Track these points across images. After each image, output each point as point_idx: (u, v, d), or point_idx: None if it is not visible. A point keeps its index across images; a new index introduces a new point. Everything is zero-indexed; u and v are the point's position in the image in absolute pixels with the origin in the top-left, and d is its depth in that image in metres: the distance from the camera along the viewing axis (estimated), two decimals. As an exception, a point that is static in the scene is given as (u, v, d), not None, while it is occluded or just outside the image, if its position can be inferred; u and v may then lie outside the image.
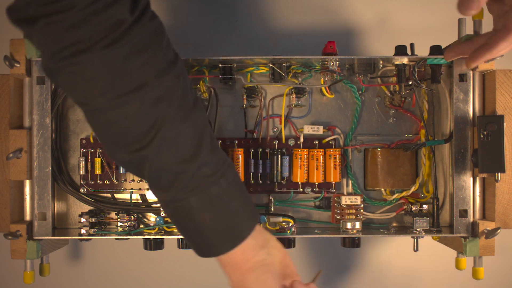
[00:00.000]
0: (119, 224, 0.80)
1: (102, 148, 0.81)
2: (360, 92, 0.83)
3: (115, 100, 0.54)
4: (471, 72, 0.77)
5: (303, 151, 0.80)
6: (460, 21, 0.79)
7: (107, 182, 0.81)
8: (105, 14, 0.52)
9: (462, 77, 0.77)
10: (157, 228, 0.79)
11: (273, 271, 0.62)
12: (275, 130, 0.83)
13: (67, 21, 0.51)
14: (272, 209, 0.82)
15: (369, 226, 0.83)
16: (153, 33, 0.56)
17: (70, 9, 0.50)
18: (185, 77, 0.59)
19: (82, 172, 0.80)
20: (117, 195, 0.83)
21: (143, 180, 0.81)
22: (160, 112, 0.55)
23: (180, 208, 0.58)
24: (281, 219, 0.79)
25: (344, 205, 0.81)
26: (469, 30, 0.77)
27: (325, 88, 0.82)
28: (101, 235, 0.79)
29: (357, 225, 0.78)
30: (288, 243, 0.80)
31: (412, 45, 0.80)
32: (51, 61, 0.53)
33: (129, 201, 0.82)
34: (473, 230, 0.77)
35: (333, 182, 0.81)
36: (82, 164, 0.80)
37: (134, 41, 0.53)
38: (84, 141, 0.81)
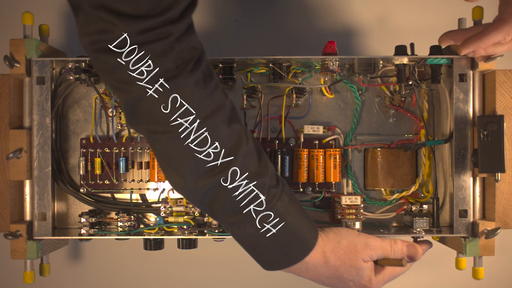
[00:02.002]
0: (119, 224, 0.80)
1: (102, 148, 0.81)
2: (360, 92, 0.83)
3: (203, 123, 0.55)
4: (471, 72, 0.77)
5: (303, 151, 0.80)
6: (460, 21, 0.79)
7: (107, 182, 0.81)
8: (185, 40, 0.54)
9: (462, 77, 0.77)
10: (157, 228, 0.79)
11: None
12: (275, 130, 0.83)
13: (159, 49, 0.52)
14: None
15: (369, 226, 0.83)
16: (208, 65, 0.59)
17: (167, 37, 0.52)
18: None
19: (82, 172, 0.80)
20: (117, 195, 0.83)
21: (143, 180, 0.81)
22: (236, 129, 0.58)
23: (272, 217, 0.60)
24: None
25: (344, 205, 0.81)
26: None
27: (325, 88, 0.82)
28: (101, 235, 0.79)
29: (357, 225, 0.78)
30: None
31: (412, 45, 0.80)
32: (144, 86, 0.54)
33: (129, 201, 0.82)
34: (473, 230, 0.77)
35: (333, 182, 0.81)
36: (82, 164, 0.80)
37: (205, 64, 0.56)
38: (84, 141, 0.81)
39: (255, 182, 0.59)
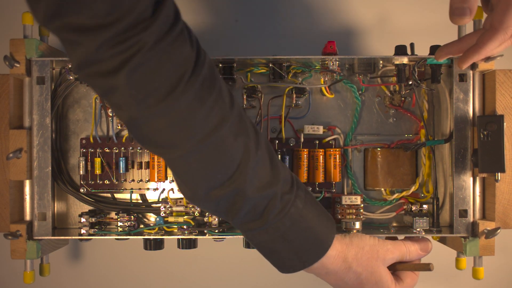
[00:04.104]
0: (119, 224, 0.80)
1: (102, 148, 0.81)
2: (360, 92, 0.83)
3: (205, 140, 0.54)
4: (471, 72, 0.77)
5: (303, 151, 0.80)
6: (460, 21, 0.79)
7: (107, 182, 0.81)
8: (176, 51, 0.51)
9: (462, 77, 0.77)
10: (157, 228, 0.79)
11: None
12: (275, 130, 0.83)
13: (148, 64, 0.49)
14: (272, 209, 0.82)
15: (369, 226, 0.83)
16: (211, 65, 0.56)
17: (141, 48, 0.48)
18: (239, 104, 0.61)
19: (82, 172, 0.80)
20: (117, 195, 0.83)
21: (143, 180, 0.81)
22: (243, 142, 0.56)
23: (272, 232, 0.60)
24: (281, 219, 0.79)
25: (344, 205, 0.81)
26: (469, 30, 0.77)
27: (325, 88, 0.82)
28: (101, 235, 0.79)
29: (357, 225, 0.78)
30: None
31: (412, 45, 0.80)
32: (138, 110, 0.51)
33: (129, 201, 0.82)
34: (473, 230, 0.77)
35: (333, 182, 0.81)
36: (82, 164, 0.80)
37: (205, 75, 0.53)
38: (84, 141, 0.81)
39: (268, 191, 0.58)
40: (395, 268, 0.69)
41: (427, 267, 0.67)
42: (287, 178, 0.61)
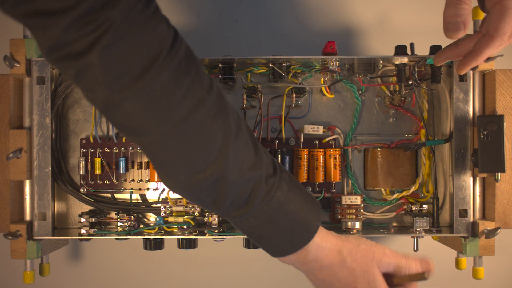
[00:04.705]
0: (119, 224, 0.80)
1: (102, 148, 0.81)
2: (360, 92, 0.83)
3: (182, 124, 0.52)
4: (471, 72, 0.77)
5: (303, 151, 0.80)
6: (460, 21, 0.79)
7: (107, 182, 0.81)
8: (151, 30, 0.50)
9: (462, 77, 0.77)
10: (157, 228, 0.79)
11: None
12: (275, 130, 0.83)
13: (120, 43, 0.48)
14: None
15: (369, 226, 0.83)
16: (188, 47, 0.54)
17: (110, 26, 0.47)
18: (219, 87, 0.58)
19: (82, 172, 0.80)
20: (117, 195, 0.83)
21: (143, 180, 0.81)
22: (222, 124, 0.55)
23: (260, 216, 0.59)
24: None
25: (344, 205, 0.81)
26: (469, 30, 0.77)
27: (325, 88, 0.82)
28: (101, 235, 0.79)
29: (357, 225, 0.78)
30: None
31: (412, 45, 0.80)
32: (110, 93, 0.50)
33: (129, 201, 0.82)
34: (473, 230, 0.77)
35: (333, 182, 0.81)
36: (82, 164, 0.80)
37: (181, 56, 0.52)
38: (84, 141, 0.81)
39: (252, 175, 0.57)
40: (392, 283, 0.66)
41: (422, 277, 0.66)
42: (270, 161, 0.60)
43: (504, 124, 0.74)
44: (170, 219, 0.79)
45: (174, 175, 0.56)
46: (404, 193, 0.82)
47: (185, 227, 0.79)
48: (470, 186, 0.77)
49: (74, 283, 0.98)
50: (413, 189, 0.82)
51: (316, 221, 0.62)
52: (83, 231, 0.78)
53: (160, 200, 0.82)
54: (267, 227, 0.60)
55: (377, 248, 0.65)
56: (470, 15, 0.59)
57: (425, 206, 0.81)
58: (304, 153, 0.80)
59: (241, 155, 0.56)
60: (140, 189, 0.82)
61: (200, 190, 0.56)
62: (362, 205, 0.81)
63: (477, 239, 0.76)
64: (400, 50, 0.79)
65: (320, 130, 0.81)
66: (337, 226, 0.81)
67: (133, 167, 0.81)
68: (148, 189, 0.82)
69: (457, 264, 0.81)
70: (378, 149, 0.82)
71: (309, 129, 0.81)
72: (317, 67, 0.80)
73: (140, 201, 0.83)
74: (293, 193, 0.61)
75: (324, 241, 0.63)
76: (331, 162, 0.80)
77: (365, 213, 0.83)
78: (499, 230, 0.75)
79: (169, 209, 0.80)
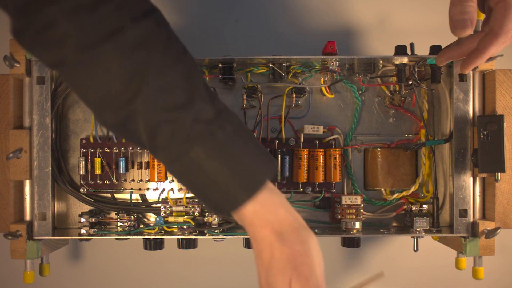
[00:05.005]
0: (119, 224, 0.80)
1: (102, 148, 0.81)
2: (360, 92, 0.83)
3: (89, 51, 0.49)
4: (471, 72, 0.77)
5: (303, 151, 0.80)
6: (460, 21, 0.79)
7: (107, 182, 0.81)
8: None
9: (462, 77, 0.77)
10: (157, 228, 0.79)
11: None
12: (275, 130, 0.83)
13: None
14: (272, 209, 0.82)
15: (369, 226, 0.83)
16: None
17: None
18: (168, 27, 0.54)
19: (82, 172, 0.80)
20: (117, 195, 0.83)
21: (143, 180, 0.81)
22: (141, 58, 0.50)
23: (187, 163, 0.52)
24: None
25: (344, 205, 0.81)
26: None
27: (325, 88, 0.82)
28: (101, 235, 0.79)
29: (357, 225, 0.78)
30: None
31: (412, 45, 0.80)
32: (18, 23, 0.50)
33: (129, 201, 0.82)
34: (473, 230, 0.77)
35: (333, 182, 0.81)
36: (82, 164, 0.80)
37: None
38: (84, 141, 0.81)
39: (172, 115, 0.51)
40: None
41: (379, 275, 0.64)
42: (209, 108, 0.53)
43: (504, 124, 0.74)
44: (170, 219, 0.79)
45: (92, 109, 0.54)
46: (404, 193, 0.82)
47: (185, 227, 0.79)
48: (470, 186, 0.77)
49: (74, 283, 0.98)
50: (413, 189, 0.82)
51: (258, 181, 0.54)
52: (83, 231, 0.78)
53: (160, 200, 0.82)
54: (196, 178, 0.53)
55: (306, 264, 0.55)
56: (476, 12, 0.59)
57: (425, 206, 0.81)
58: (304, 153, 0.80)
59: (162, 94, 0.51)
60: (140, 189, 0.82)
61: (118, 128, 0.53)
62: (362, 205, 0.81)
63: (477, 239, 0.76)
64: (400, 50, 0.79)
65: (320, 130, 0.81)
66: (337, 226, 0.81)
67: (133, 167, 0.81)
68: (148, 189, 0.82)
69: (457, 264, 0.81)
70: (378, 149, 0.82)
71: (309, 129, 0.81)
72: (317, 67, 0.80)
73: (140, 201, 0.83)
74: (233, 146, 0.53)
75: (265, 209, 0.55)
76: (331, 162, 0.80)
77: (365, 213, 0.83)
78: (499, 230, 0.75)
79: (169, 209, 0.80)
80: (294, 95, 0.81)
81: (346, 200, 0.80)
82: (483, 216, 0.79)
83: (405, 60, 0.78)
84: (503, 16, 0.59)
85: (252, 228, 0.55)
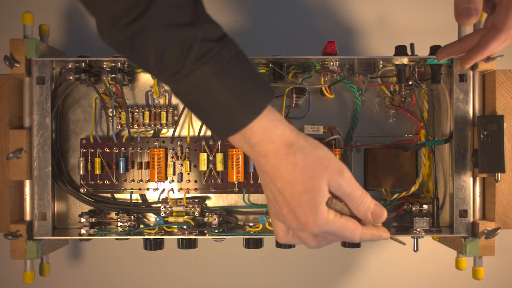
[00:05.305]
0: (119, 224, 0.80)
1: (102, 148, 0.81)
2: (360, 92, 0.83)
3: None
4: (471, 72, 0.77)
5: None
6: (460, 21, 0.79)
7: (107, 182, 0.81)
8: None
9: (462, 77, 0.77)
10: (157, 228, 0.79)
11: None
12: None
13: None
14: (272, 209, 0.82)
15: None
16: None
17: None
18: None
19: (82, 172, 0.80)
20: (117, 195, 0.83)
21: (143, 180, 0.81)
22: None
23: (195, 81, 0.52)
24: (281, 219, 0.79)
25: (344, 205, 0.80)
26: (469, 30, 0.77)
27: (325, 88, 0.82)
28: (101, 235, 0.79)
29: (357, 225, 0.78)
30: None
31: (412, 45, 0.80)
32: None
33: (129, 201, 0.82)
34: (473, 230, 0.77)
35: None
36: (82, 164, 0.80)
37: None
38: (84, 141, 0.81)
39: (183, 32, 0.51)
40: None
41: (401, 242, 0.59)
42: (216, 30, 0.54)
43: (504, 124, 0.74)
44: (170, 219, 0.79)
45: (99, 23, 0.53)
46: (404, 193, 0.82)
47: (185, 227, 0.79)
48: (470, 187, 0.77)
49: (74, 283, 0.98)
50: (413, 189, 0.82)
51: (263, 99, 0.54)
52: (83, 231, 0.78)
53: (160, 200, 0.82)
54: (204, 97, 0.53)
55: (335, 162, 0.55)
56: (482, 2, 0.59)
57: (425, 206, 0.81)
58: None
59: (173, 10, 0.51)
60: (140, 189, 0.82)
61: (128, 42, 0.52)
62: (362, 205, 0.80)
63: (477, 239, 0.76)
64: (400, 50, 0.79)
65: (320, 130, 0.81)
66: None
67: (133, 167, 0.81)
68: (148, 189, 0.82)
69: (457, 264, 0.81)
70: (378, 149, 0.82)
71: (309, 129, 0.81)
72: (317, 67, 0.80)
73: (140, 201, 0.83)
74: (237, 64, 0.54)
75: (273, 125, 0.54)
76: (331, 162, 0.80)
77: (365, 213, 0.82)
78: (499, 231, 0.75)
79: (169, 209, 0.80)
80: (294, 95, 0.81)
81: (346, 200, 0.80)
82: (483, 216, 0.79)
83: (405, 60, 0.78)
84: (506, 11, 0.59)
85: (263, 145, 0.54)
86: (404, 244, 0.62)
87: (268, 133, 0.54)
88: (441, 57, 0.71)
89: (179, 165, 0.81)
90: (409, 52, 0.79)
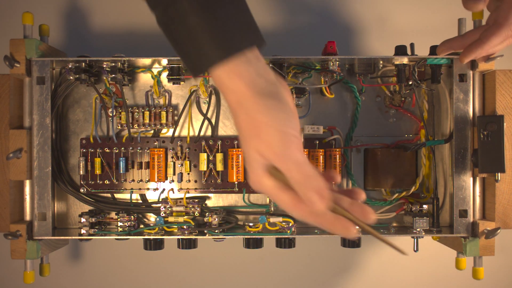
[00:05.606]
0: (119, 224, 0.80)
1: (102, 148, 0.81)
2: (360, 92, 0.83)
3: None
4: (471, 72, 0.77)
5: (303, 151, 0.80)
6: (460, 21, 0.79)
7: (107, 182, 0.81)
8: None
9: (462, 77, 0.77)
10: (157, 228, 0.79)
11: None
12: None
13: None
14: (272, 209, 0.82)
15: (369, 226, 0.83)
16: None
17: None
18: None
19: (82, 172, 0.80)
20: (117, 195, 0.83)
21: (143, 180, 0.81)
22: None
23: (172, 14, 0.51)
24: (281, 219, 0.79)
25: (344, 205, 0.80)
26: (469, 27, 0.77)
27: (325, 88, 0.82)
28: (101, 235, 0.79)
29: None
30: (288, 243, 0.80)
31: (412, 45, 0.80)
32: None
33: (129, 201, 0.82)
34: (473, 230, 0.77)
35: (333, 182, 0.81)
36: (82, 164, 0.80)
37: None
38: (84, 141, 0.81)
39: None
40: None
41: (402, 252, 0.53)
42: None
43: (504, 124, 0.74)
44: (170, 219, 0.79)
45: None
46: (404, 193, 0.82)
47: (185, 227, 0.79)
48: (470, 186, 0.77)
49: (74, 283, 0.98)
50: (413, 189, 0.82)
51: (240, 44, 0.52)
52: (83, 231, 0.78)
53: (160, 200, 0.82)
54: (181, 31, 0.52)
55: (271, 136, 0.50)
56: None
57: (425, 206, 0.81)
58: (304, 153, 0.80)
59: None
60: (140, 189, 0.82)
61: None
62: (362, 205, 0.81)
63: (477, 239, 0.76)
64: (400, 50, 0.79)
65: (320, 130, 0.81)
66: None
67: (133, 167, 0.81)
68: (148, 189, 0.82)
69: (457, 264, 0.81)
70: (378, 149, 0.82)
71: (309, 129, 0.81)
72: (317, 67, 0.80)
73: (140, 201, 0.83)
74: (220, 5, 0.53)
75: (229, 77, 0.52)
76: (331, 162, 0.80)
77: (365, 213, 0.82)
78: (499, 230, 0.75)
79: (169, 209, 0.80)
80: (294, 95, 0.81)
81: (346, 200, 0.80)
82: (483, 216, 0.79)
83: (405, 60, 0.78)
84: (509, 8, 0.59)
85: (221, 90, 0.53)
86: (399, 250, 0.54)
87: (222, 84, 0.52)
88: (441, 50, 0.71)
89: (179, 165, 0.81)
90: (409, 52, 0.79)
